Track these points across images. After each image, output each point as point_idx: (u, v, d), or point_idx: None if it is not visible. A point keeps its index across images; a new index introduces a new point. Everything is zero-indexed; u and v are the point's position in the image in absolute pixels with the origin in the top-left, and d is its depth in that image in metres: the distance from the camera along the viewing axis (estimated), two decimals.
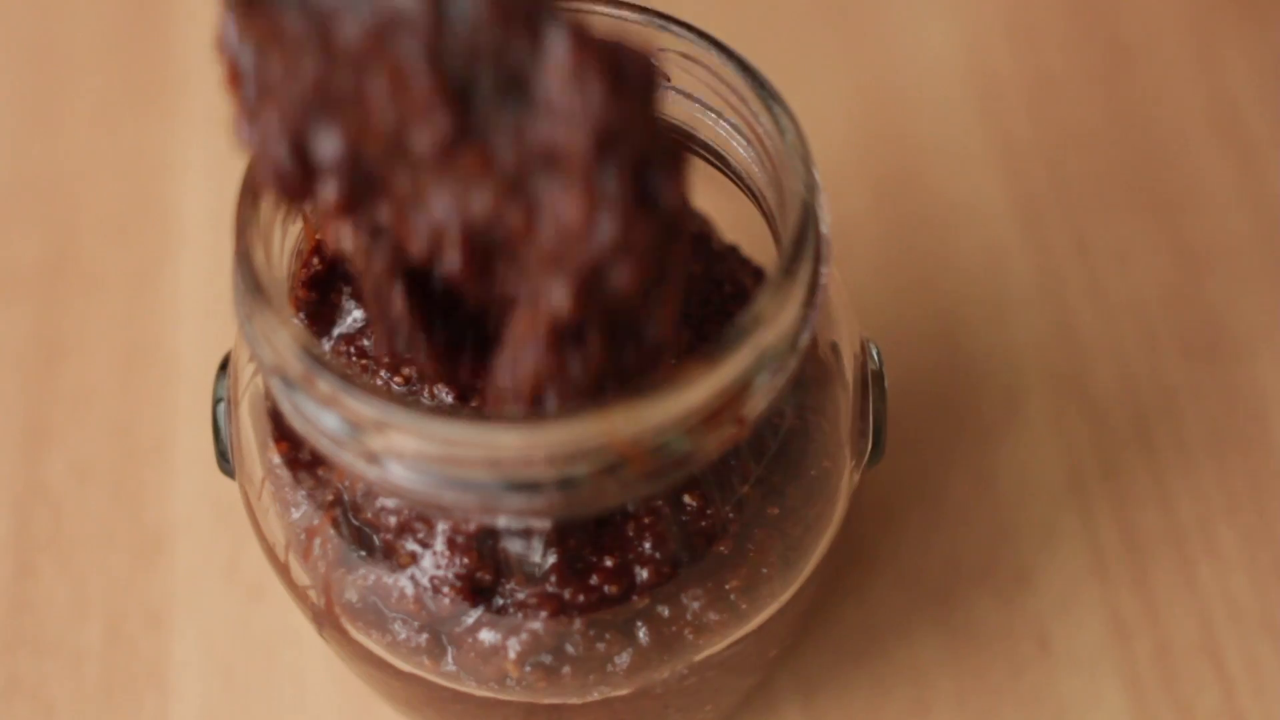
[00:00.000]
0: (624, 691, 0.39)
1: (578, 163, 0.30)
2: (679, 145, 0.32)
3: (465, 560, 0.37)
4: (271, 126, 0.32)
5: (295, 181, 0.33)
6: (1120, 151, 0.58)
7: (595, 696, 0.39)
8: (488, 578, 0.38)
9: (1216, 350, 0.54)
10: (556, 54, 0.30)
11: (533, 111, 0.30)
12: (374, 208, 0.33)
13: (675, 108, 0.40)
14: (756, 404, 0.35)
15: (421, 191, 0.32)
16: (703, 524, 0.38)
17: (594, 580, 0.37)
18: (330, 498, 0.39)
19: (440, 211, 0.32)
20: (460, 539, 0.37)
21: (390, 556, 0.38)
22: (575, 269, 0.31)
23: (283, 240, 0.38)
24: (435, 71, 0.30)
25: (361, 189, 0.32)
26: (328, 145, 0.32)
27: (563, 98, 0.30)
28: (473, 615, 0.38)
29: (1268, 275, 0.55)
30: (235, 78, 0.33)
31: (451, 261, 0.32)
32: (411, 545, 0.38)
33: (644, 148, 0.31)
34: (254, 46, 0.32)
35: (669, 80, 0.39)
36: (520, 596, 0.38)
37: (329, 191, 0.33)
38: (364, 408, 0.33)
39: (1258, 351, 0.54)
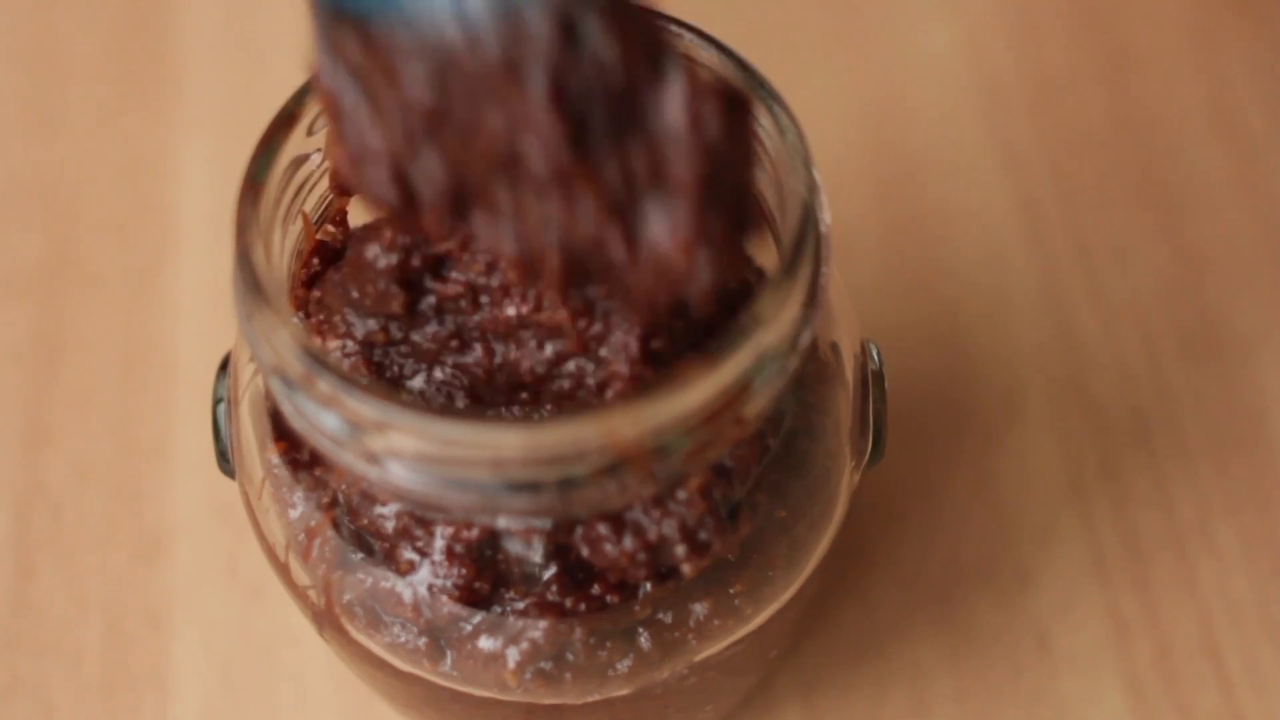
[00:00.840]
0: (624, 692, 0.39)
1: (689, 189, 0.31)
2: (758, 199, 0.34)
3: (463, 570, 0.37)
4: (375, 163, 0.33)
5: (398, 208, 0.33)
6: (1120, 151, 0.58)
7: (595, 698, 0.39)
8: (486, 587, 0.37)
9: (1216, 350, 0.54)
10: (678, 88, 0.32)
11: (642, 141, 0.32)
12: (471, 220, 0.33)
13: None
14: (757, 404, 0.35)
15: (523, 206, 0.32)
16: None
17: (595, 589, 0.37)
18: (329, 499, 0.39)
19: (542, 226, 0.32)
20: (459, 548, 0.37)
21: (389, 561, 0.38)
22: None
23: (283, 240, 0.38)
24: (559, 101, 0.31)
25: (461, 206, 0.33)
26: (432, 180, 0.32)
27: (680, 125, 0.31)
28: (471, 623, 0.38)
29: (1268, 275, 0.55)
30: (335, 112, 0.33)
31: (548, 278, 0.33)
32: (410, 554, 0.38)
33: (741, 184, 0.32)
34: (352, 75, 0.32)
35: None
36: (520, 605, 0.37)
37: (428, 218, 0.33)
38: (364, 408, 0.33)
39: (1258, 351, 0.54)
